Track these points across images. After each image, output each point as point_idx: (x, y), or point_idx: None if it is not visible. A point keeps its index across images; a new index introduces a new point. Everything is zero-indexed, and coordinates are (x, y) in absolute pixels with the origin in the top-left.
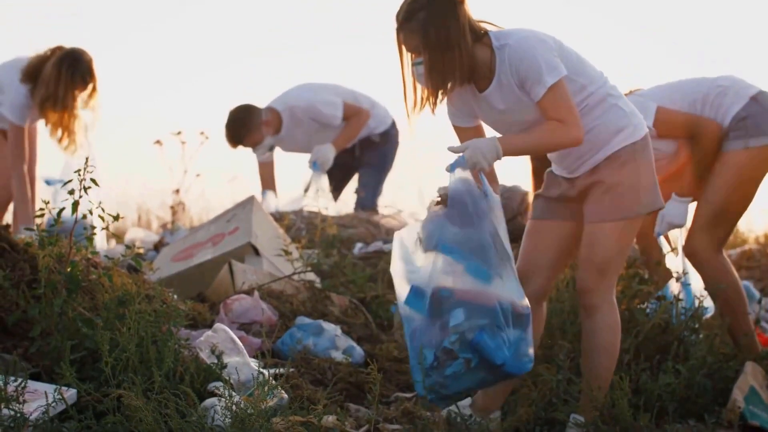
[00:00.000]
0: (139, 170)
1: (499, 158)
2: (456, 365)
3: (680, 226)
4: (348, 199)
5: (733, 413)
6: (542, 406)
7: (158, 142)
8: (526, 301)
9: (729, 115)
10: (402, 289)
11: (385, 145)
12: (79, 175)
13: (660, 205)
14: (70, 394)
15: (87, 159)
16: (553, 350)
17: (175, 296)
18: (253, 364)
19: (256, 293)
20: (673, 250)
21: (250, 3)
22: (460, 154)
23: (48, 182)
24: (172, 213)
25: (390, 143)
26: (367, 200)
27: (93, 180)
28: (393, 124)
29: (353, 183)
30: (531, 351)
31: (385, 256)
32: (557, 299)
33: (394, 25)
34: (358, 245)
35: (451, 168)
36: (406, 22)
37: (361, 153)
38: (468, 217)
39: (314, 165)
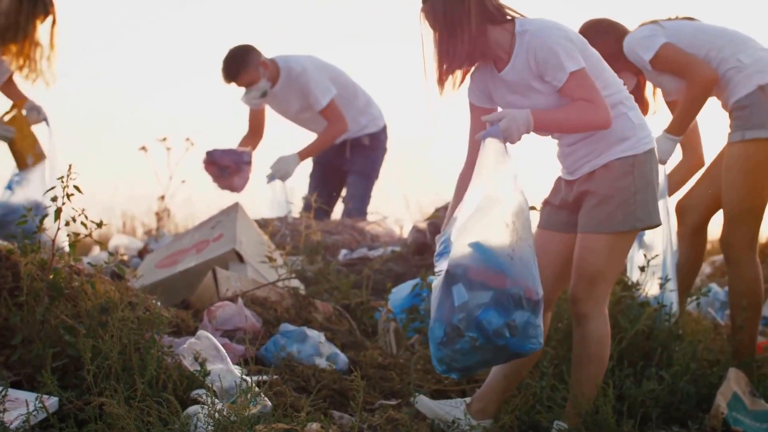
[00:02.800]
0: (125, 176)
1: (529, 132)
2: (463, 342)
3: (662, 161)
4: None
5: (716, 419)
6: (526, 411)
7: (143, 148)
8: (540, 288)
9: (733, 96)
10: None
11: (375, 151)
12: (62, 182)
13: (656, 223)
14: (52, 402)
15: (70, 166)
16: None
17: (159, 303)
18: (237, 371)
19: (240, 300)
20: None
21: (246, 2)
22: (494, 124)
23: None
24: (157, 219)
25: (379, 149)
26: (355, 210)
27: (76, 187)
28: (384, 129)
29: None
30: (540, 334)
31: (369, 262)
32: None
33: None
34: (343, 252)
35: (483, 136)
36: (425, 2)
37: (351, 156)
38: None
39: (271, 178)
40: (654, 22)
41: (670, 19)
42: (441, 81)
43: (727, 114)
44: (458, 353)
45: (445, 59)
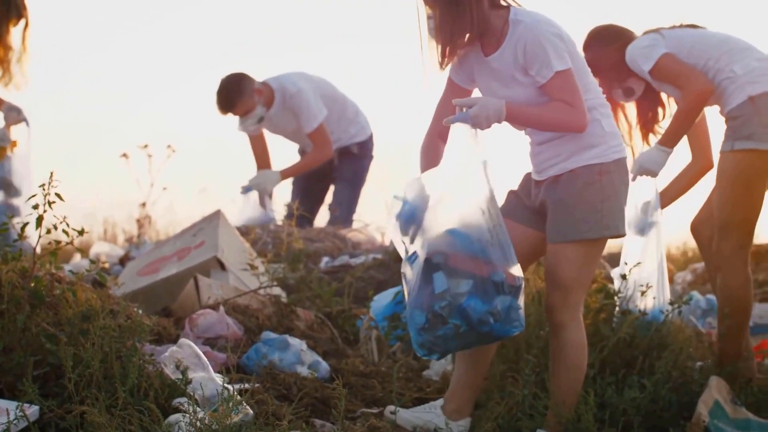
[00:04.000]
0: (106, 183)
1: (500, 121)
2: (446, 329)
3: (653, 173)
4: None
5: (697, 427)
6: (508, 420)
7: (124, 155)
8: (519, 271)
9: (726, 107)
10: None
11: (362, 159)
12: (43, 189)
13: (623, 233)
14: (33, 410)
15: (52, 174)
16: (519, 365)
17: (140, 311)
18: (218, 379)
19: (222, 308)
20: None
21: (243, 4)
22: (464, 109)
23: None
24: (138, 226)
25: (366, 157)
26: (342, 217)
27: (58, 194)
28: (371, 137)
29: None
30: (522, 317)
31: (351, 270)
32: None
33: None
34: (325, 259)
35: (452, 121)
36: None
37: (339, 163)
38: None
39: (247, 190)
40: (656, 30)
41: (673, 27)
42: (443, 59)
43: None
44: (440, 339)
45: (449, 37)
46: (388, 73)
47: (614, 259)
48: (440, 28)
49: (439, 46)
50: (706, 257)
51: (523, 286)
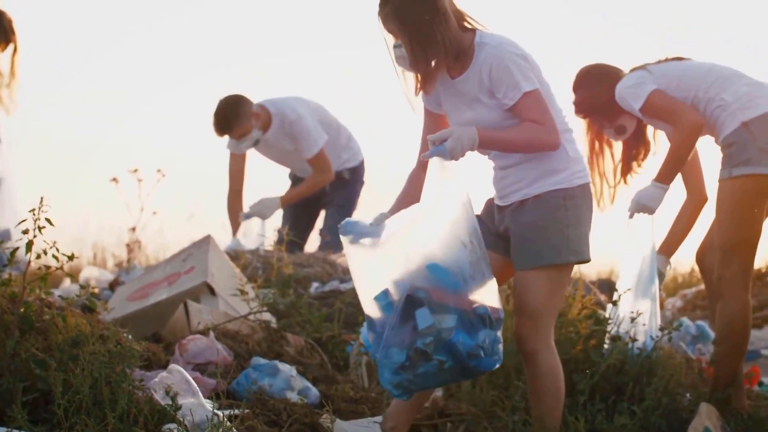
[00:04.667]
0: (95, 207)
1: (473, 149)
2: (429, 366)
3: (650, 210)
4: (312, 239)
5: None
6: None
7: (114, 179)
8: (500, 305)
9: (721, 135)
10: (371, 287)
11: (354, 185)
12: (33, 214)
13: (588, 258)
14: None
15: (42, 199)
16: (509, 391)
17: (130, 336)
18: (208, 405)
19: (212, 333)
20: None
21: (241, 5)
22: (440, 144)
23: None
24: (128, 251)
25: (358, 182)
26: (332, 243)
27: (48, 219)
28: (362, 163)
29: (319, 222)
30: (501, 349)
31: (341, 295)
32: (512, 340)
33: (377, 10)
34: (315, 284)
35: (429, 155)
36: (383, 5)
37: (331, 189)
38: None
39: (247, 217)
40: (642, 67)
41: (659, 62)
42: (420, 85)
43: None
44: (420, 376)
45: (423, 64)
46: (388, 75)
47: (604, 285)
48: (412, 56)
49: (414, 74)
50: (709, 285)
51: (503, 320)
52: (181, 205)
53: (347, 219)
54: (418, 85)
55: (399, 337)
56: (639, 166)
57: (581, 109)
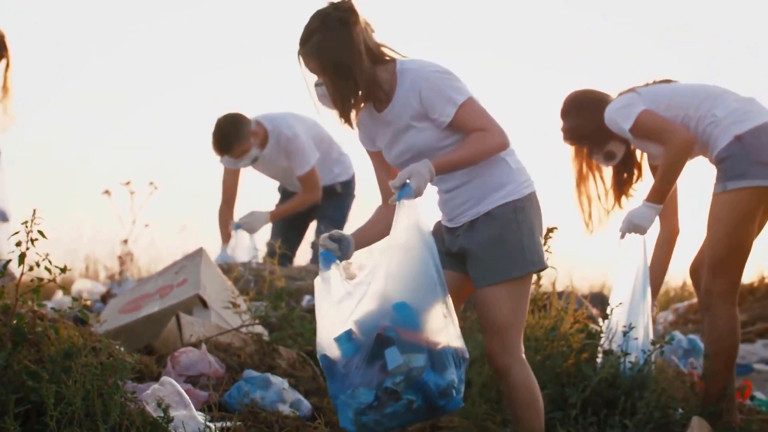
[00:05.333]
0: (87, 219)
1: (431, 180)
2: (398, 405)
3: (642, 229)
4: (302, 251)
5: None
6: None
7: (107, 191)
8: (464, 346)
9: (714, 149)
10: (333, 327)
11: (346, 198)
12: (26, 226)
13: (546, 266)
14: None
15: (35, 211)
16: (501, 404)
17: (122, 348)
18: (200, 417)
19: (204, 346)
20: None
21: (240, 6)
22: (404, 184)
23: None
24: (120, 263)
25: (349, 196)
26: None
27: (40, 232)
28: (353, 177)
29: (309, 234)
30: (463, 388)
31: None
32: None
33: (297, 48)
34: (307, 297)
35: (398, 199)
36: (303, 44)
37: (323, 202)
38: (414, 256)
39: (236, 227)
40: (631, 90)
41: (647, 85)
42: (347, 120)
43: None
44: (387, 416)
45: (339, 103)
46: None
47: (596, 299)
48: (333, 94)
49: (335, 112)
50: (701, 299)
51: (468, 359)
52: (174, 218)
53: (324, 251)
54: (347, 122)
55: (367, 376)
56: (631, 189)
57: (570, 136)
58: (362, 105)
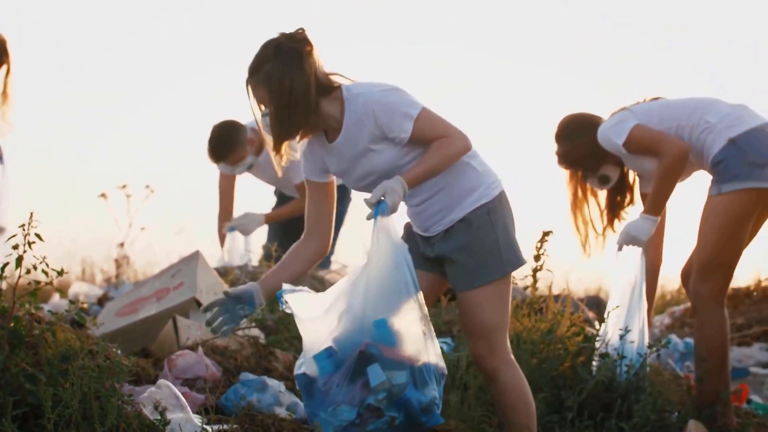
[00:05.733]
0: (84, 222)
1: (405, 195)
2: (380, 422)
3: (640, 241)
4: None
5: None
6: None
7: (103, 194)
8: (443, 362)
9: (709, 156)
10: (313, 345)
11: (342, 201)
12: (23, 229)
13: (523, 261)
14: None
15: (32, 214)
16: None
17: (119, 351)
18: (197, 420)
19: (200, 349)
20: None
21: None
22: (379, 201)
23: None
24: (116, 266)
25: (346, 198)
26: (322, 259)
27: (38, 235)
28: None
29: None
30: (441, 404)
31: None
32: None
33: (246, 76)
34: None
35: (374, 215)
36: (253, 73)
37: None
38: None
39: (230, 229)
40: (623, 109)
41: (638, 103)
42: (278, 149)
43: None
44: None
45: (279, 132)
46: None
47: (593, 303)
48: (274, 125)
49: (276, 141)
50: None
51: (446, 375)
52: (170, 221)
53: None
54: (280, 153)
55: (349, 394)
56: (623, 212)
57: (564, 160)
58: (306, 137)
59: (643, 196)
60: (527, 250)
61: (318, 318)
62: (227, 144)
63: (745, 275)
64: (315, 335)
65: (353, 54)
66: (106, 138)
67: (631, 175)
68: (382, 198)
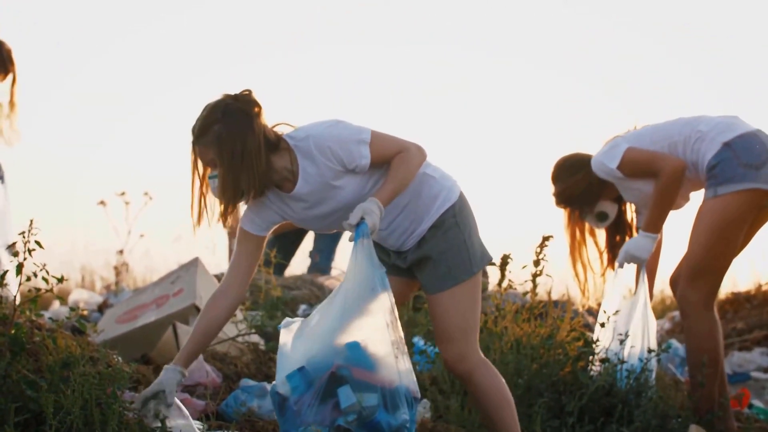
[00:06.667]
0: (83, 230)
1: (382, 214)
2: None
3: (640, 259)
4: (299, 261)
5: None
6: None
7: (102, 202)
8: (416, 387)
9: (704, 162)
10: (287, 365)
11: None
12: (23, 237)
13: (490, 259)
14: None
15: (32, 221)
16: None
17: (120, 358)
18: (197, 426)
19: (201, 355)
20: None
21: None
22: (359, 223)
23: None
24: (115, 273)
25: None
26: (322, 264)
27: (38, 242)
28: None
29: (305, 243)
30: (414, 429)
31: None
32: (501, 361)
33: (190, 138)
34: (303, 307)
35: (355, 239)
36: (201, 135)
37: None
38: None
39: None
40: (614, 137)
41: (628, 131)
42: (226, 215)
43: (703, 181)
44: None
45: (230, 195)
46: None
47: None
48: (224, 186)
49: (224, 204)
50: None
51: (419, 399)
52: (168, 228)
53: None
54: (226, 216)
55: (320, 414)
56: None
57: (562, 199)
58: (253, 197)
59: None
60: (527, 254)
61: (297, 338)
62: None
63: (745, 279)
64: (291, 354)
65: (353, 54)
66: (106, 138)
67: (629, 214)
68: (362, 219)
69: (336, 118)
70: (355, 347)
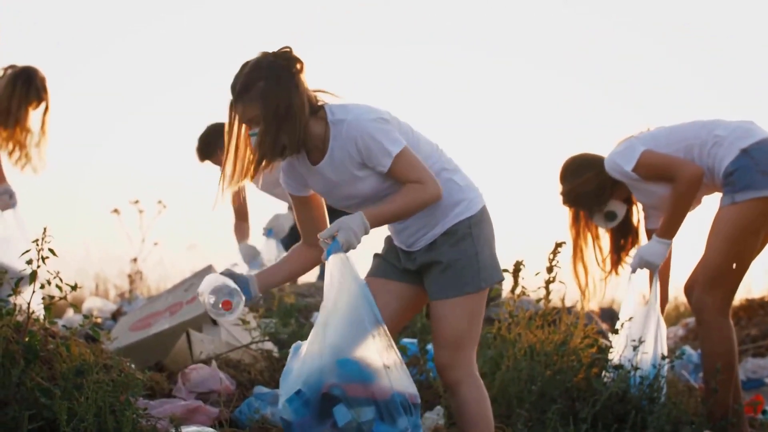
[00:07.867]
0: (97, 238)
1: (367, 233)
2: None
3: (654, 265)
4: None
5: None
6: None
7: (116, 210)
8: (416, 390)
9: (721, 168)
10: (288, 387)
11: None
12: (37, 244)
13: (501, 278)
14: None
15: (45, 229)
16: (511, 419)
17: (133, 366)
18: None
19: (214, 363)
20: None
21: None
22: (333, 239)
23: None
24: (129, 282)
25: None
26: None
27: (51, 250)
28: None
29: None
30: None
31: None
32: (515, 367)
33: (230, 96)
34: (316, 314)
35: (326, 255)
36: (244, 92)
37: (332, 216)
38: (350, 309)
39: (269, 232)
40: (629, 137)
41: (642, 132)
42: (255, 171)
43: (719, 187)
44: None
45: (268, 151)
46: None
47: (606, 314)
48: (262, 143)
49: (259, 161)
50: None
51: (420, 404)
52: (182, 236)
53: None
54: (254, 172)
55: None
56: (627, 255)
57: (569, 198)
58: (288, 156)
59: (649, 234)
60: (539, 260)
61: (295, 360)
62: (213, 143)
63: (759, 286)
64: (290, 378)
65: (353, 54)
66: (107, 139)
67: (635, 217)
68: (335, 235)
69: (383, 116)
70: (345, 363)
